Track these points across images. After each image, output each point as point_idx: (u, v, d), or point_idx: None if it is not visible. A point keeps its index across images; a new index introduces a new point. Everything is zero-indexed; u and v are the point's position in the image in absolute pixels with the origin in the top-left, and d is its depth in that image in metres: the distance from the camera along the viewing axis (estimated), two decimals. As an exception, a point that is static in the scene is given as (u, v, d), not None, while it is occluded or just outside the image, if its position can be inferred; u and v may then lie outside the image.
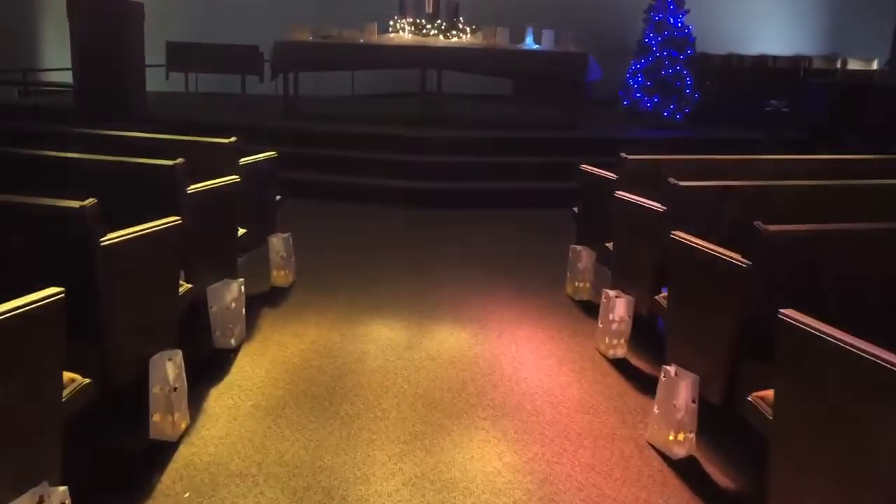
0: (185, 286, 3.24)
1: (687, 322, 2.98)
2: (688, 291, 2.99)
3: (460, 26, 9.63)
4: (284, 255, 4.74)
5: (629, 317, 3.80)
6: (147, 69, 11.84)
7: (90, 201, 2.47)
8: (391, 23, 9.77)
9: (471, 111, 10.54)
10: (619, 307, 3.78)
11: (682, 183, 3.50)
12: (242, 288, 3.85)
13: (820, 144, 8.27)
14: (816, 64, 13.73)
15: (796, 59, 13.95)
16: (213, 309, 3.71)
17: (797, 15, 14.66)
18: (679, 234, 3.02)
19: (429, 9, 10.05)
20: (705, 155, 4.67)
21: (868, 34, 14.33)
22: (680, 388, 2.86)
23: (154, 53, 11.83)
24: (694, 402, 2.86)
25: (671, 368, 2.93)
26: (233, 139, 4.32)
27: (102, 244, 2.52)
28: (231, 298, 3.74)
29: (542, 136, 8.74)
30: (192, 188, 3.50)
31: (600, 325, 3.91)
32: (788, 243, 2.64)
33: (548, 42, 9.53)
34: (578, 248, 4.72)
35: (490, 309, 4.49)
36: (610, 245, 4.20)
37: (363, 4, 11.28)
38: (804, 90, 9.68)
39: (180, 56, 12.21)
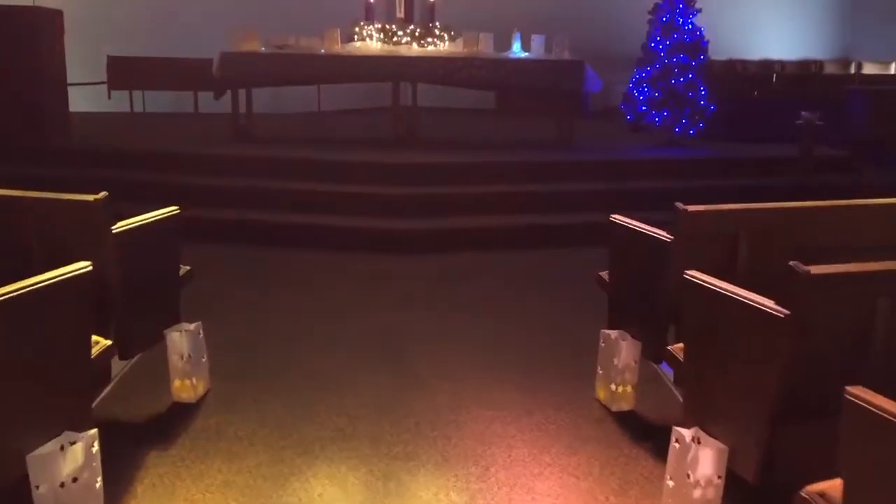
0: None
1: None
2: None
3: (437, 32, 8.22)
4: (192, 355, 3.27)
5: (720, 475, 2.38)
6: (86, 88, 10.41)
7: None
8: (357, 29, 8.33)
9: (449, 129, 9.14)
10: (704, 462, 2.36)
11: (813, 270, 2.10)
12: (95, 446, 2.38)
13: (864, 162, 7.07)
14: (828, 69, 12.56)
15: (805, 64, 12.76)
16: (41, 491, 2.24)
17: (801, 16, 13.42)
18: (864, 396, 1.60)
19: (400, 12, 8.63)
20: (776, 203, 3.27)
21: (879, 35, 13.12)
22: None
23: (95, 70, 10.41)
24: None
25: None
26: (101, 195, 2.86)
27: None
28: (71, 470, 2.28)
29: (536, 159, 7.34)
30: (-10, 296, 2.05)
31: (670, 483, 2.48)
32: None
33: (538, 49, 8.18)
34: (613, 334, 3.31)
35: (492, 435, 3.05)
36: (676, 349, 2.79)
37: (324, 8, 9.86)
38: (843, 99, 8.38)
39: (124, 72, 10.74)
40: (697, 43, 8.38)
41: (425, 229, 6.07)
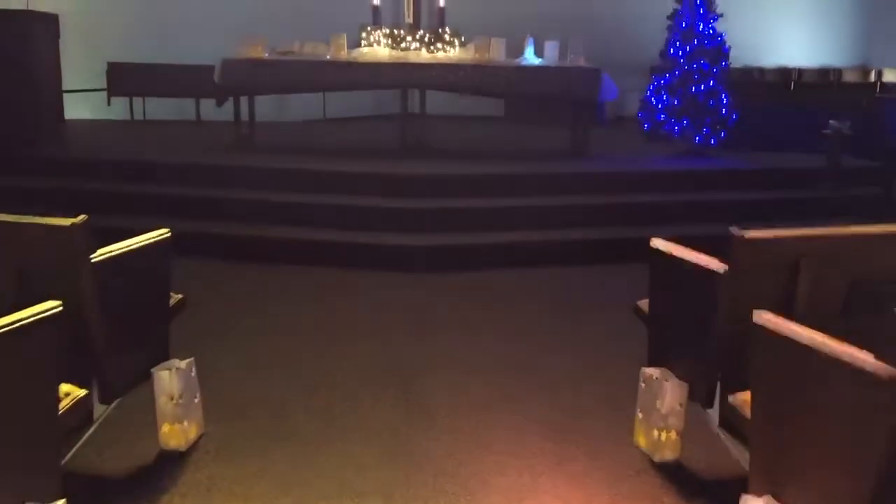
0: None
1: None
2: None
3: (447, 38, 7.88)
4: (182, 397, 2.92)
5: (800, 557, 2.02)
6: (86, 95, 10.10)
7: None
8: (364, 35, 7.99)
9: (459, 138, 8.81)
10: (781, 542, 2.01)
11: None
12: (62, 519, 2.04)
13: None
14: (847, 76, 12.20)
15: (824, 71, 12.40)
16: (-6, 576, 1.90)
17: (817, 23, 13.05)
18: None
19: (408, 17, 8.31)
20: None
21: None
22: None
23: (94, 76, 10.12)
24: None
25: None
26: (79, 219, 2.51)
27: None
28: (31, 551, 1.93)
29: (551, 170, 6.99)
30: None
31: (737, 562, 2.12)
32: None
33: (552, 55, 7.84)
34: (655, 374, 2.94)
35: (521, 490, 2.68)
36: (739, 401, 2.41)
37: (331, 13, 9.53)
38: (873, 107, 8.03)
39: (124, 79, 10.45)
40: (719, 49, 8.02)
41: (435, 245, 5.72)
